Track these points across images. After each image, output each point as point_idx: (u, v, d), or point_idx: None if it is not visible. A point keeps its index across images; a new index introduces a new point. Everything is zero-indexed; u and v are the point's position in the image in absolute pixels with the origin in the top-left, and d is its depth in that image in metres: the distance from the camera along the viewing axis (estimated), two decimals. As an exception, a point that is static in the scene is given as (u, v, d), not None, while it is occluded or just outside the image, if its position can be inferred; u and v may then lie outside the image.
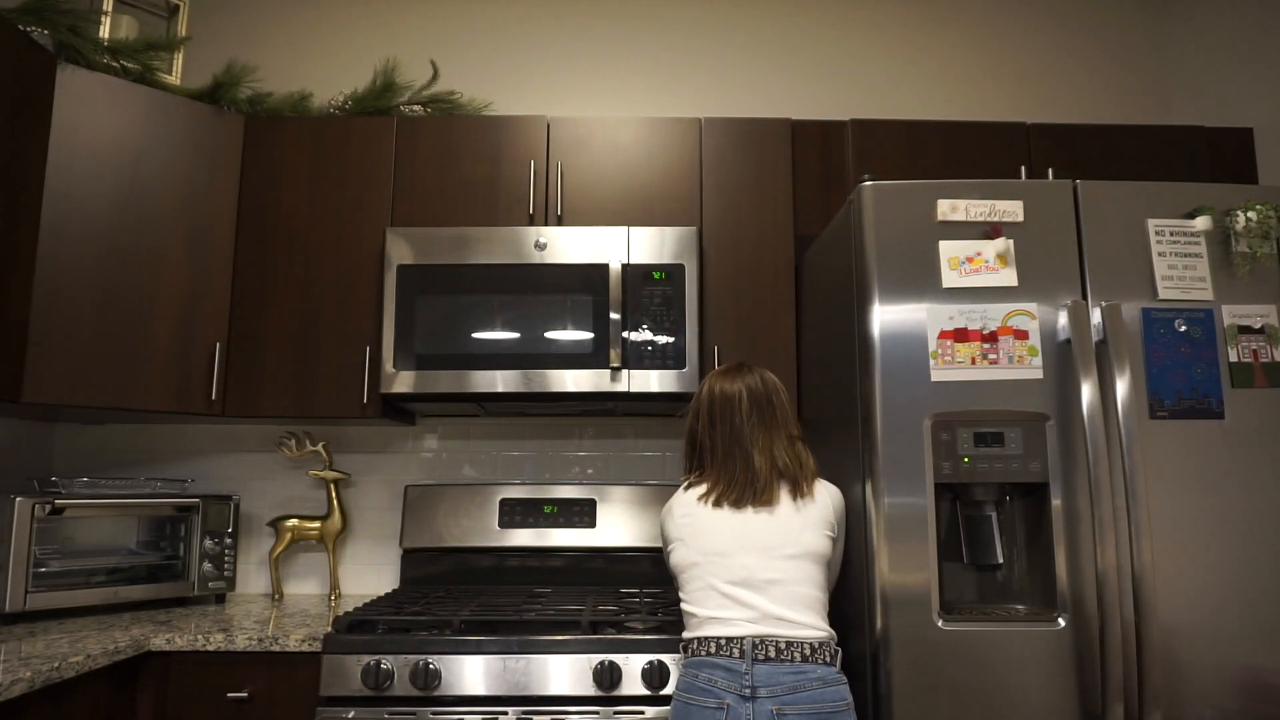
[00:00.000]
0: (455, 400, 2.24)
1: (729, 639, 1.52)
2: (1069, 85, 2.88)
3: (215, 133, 2.33)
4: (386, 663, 1.75)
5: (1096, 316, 1.68)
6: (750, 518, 1.61)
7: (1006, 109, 2.85)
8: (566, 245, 2.23)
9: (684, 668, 1.56)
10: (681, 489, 1.71)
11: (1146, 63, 2.89)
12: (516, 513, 2.46)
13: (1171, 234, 1.73)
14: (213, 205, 2.31)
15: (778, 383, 1.72)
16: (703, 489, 1.66)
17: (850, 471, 1.78)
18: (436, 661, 1.76)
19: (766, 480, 1.62)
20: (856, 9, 2.91)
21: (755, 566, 1.56)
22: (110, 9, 2.32)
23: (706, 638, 1.55)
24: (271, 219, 2.34)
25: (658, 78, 2.86)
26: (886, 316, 1.69)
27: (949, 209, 1.72)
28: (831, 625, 1.58)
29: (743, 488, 1.62)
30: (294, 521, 2.45)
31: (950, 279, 1.70)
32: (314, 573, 2.57)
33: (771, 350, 2.29)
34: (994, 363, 1.67)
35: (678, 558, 1.64)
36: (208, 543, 2.32)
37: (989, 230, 1.71)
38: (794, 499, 1.62)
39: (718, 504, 1.62)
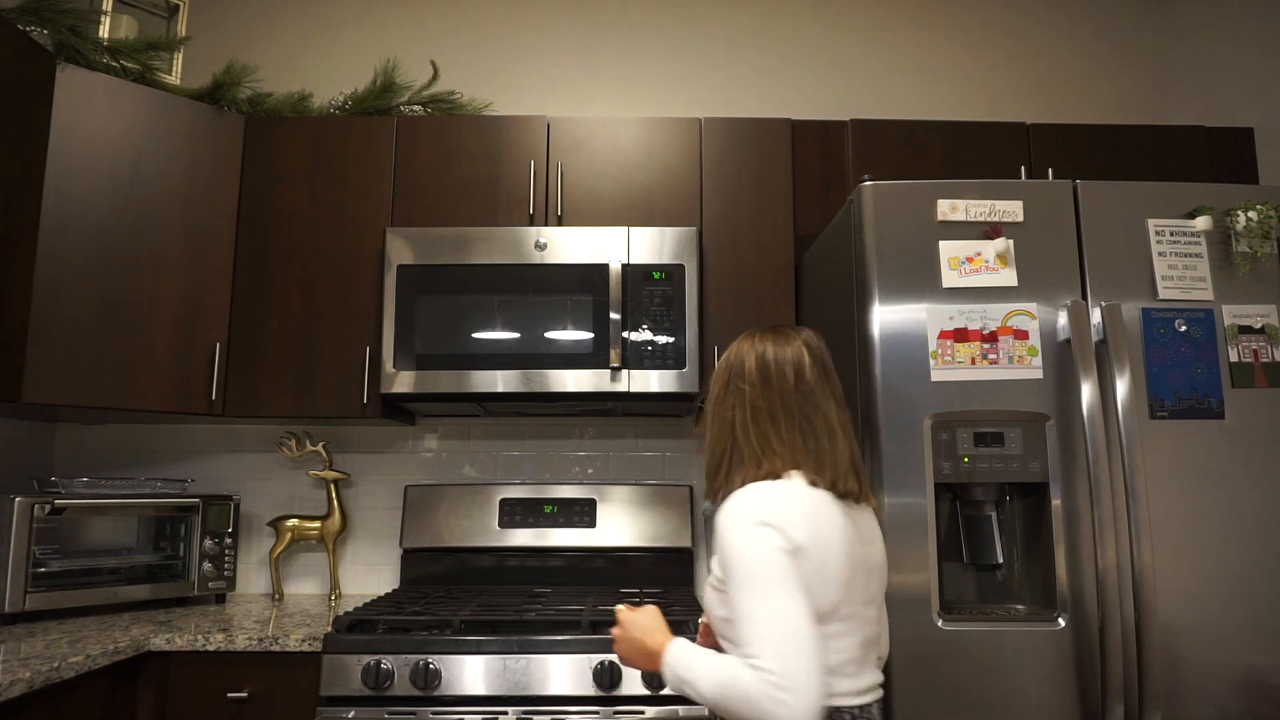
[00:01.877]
0: (455, 400, 2.24)
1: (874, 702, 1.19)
2: (1069, 85, 2.88)
3: (215, 133, 2.33)
4: (386, 663, 1.75)
5: (1096, 316, 1.68)
6: (859, 531, 1.20)
7: (1006, 109, 2.85)
8: (566, 245, 2.23)
9: None
10: (783, 485, 1.16)
11: (1147, 63, 2.89)
12: (516, 513, 2.46)
13: (1171, 234, 1.73)
14: (213, 205, 2.30)
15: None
16: (803, 478, 1.18)
17: (850, 471, 1.78)
18: (436, 661, 1.76)
19: (858, 468, 1.23)
20: (856, 9, 2.90)
21: (878, 620, 1.24)
22: (110, 9, 2.32)
23: (867, 704, 1.17)
24: (271, 219, 2.34)
25: (658, 78, 2.86)
26: (886, 316, 1.69)
27: (949, 209, 1.72)
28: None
29: (846, 473, 1.20)
30: (294, 521, 2.45)
31: (950, 279, 1.70)
32: (314, 573, 2.57)
33: (771, 350, 2.28)
34: (994, 363, 1.67)
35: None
36: (208, 543, 2.32)
37: (989, 230, 1.71)
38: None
39: (840, 496, 1.19)
